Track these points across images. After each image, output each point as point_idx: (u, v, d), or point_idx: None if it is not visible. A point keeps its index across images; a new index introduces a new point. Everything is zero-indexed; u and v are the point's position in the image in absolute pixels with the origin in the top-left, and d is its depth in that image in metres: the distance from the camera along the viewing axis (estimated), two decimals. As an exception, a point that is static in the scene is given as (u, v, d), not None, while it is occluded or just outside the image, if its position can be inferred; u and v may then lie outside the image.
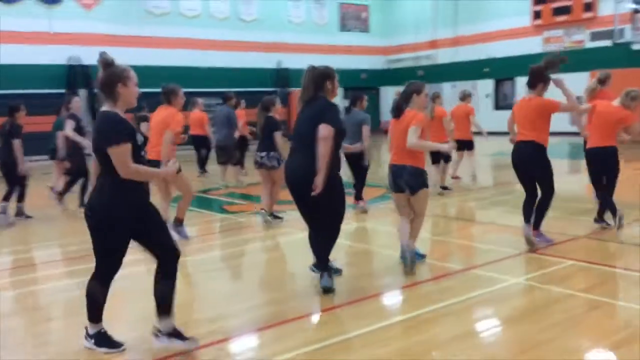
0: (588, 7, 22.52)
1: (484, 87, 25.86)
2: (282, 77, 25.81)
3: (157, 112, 6.97)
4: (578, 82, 22.79)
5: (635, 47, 20.69)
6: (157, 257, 3.76)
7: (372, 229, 7.85)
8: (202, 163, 13.91)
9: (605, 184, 6.67)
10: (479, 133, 11.28)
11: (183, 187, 7.00)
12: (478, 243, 6.82)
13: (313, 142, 4.62)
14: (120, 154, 3.46)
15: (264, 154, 7.71)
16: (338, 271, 5.30)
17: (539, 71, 6.06)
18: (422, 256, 5.75)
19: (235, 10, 25.70)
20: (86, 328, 3.86)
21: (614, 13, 20.94)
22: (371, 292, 4.98)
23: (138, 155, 3.62)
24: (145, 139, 7.66)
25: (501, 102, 26.14)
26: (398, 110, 5.47)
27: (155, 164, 6.66)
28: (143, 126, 12.05)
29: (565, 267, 5.55)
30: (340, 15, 29.03)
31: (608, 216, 6.85)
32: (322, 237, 4.94)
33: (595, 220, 7.01)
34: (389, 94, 27.15)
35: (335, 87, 4.89)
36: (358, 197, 8.58)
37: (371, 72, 29.06)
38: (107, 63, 3.62)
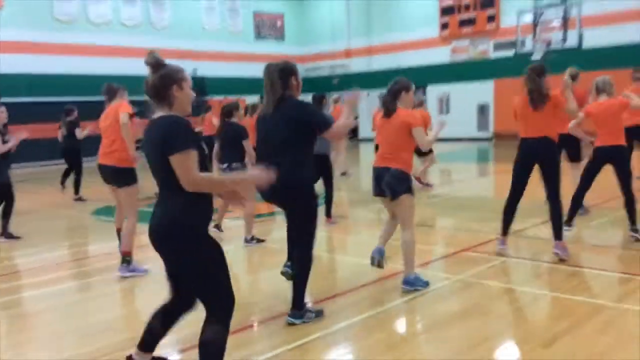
0: (491, 19, 23.85)
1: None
2: (198, 85, 25.49)
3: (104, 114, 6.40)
4: (483, 90, 24.38)
5: (535, 57, 22.08)
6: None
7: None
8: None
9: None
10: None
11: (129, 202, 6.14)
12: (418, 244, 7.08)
13: (294, 147, 4.30)
14: (187, 160, 2.94)
15: (224, 165, 7.06)
16: (319, 313, 4.61)
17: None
18: (425, 283, 5.20)
19: (147, 16, 25.19)
20: None
21: (516, 25, 22.26)
22: (320, 296, 5.08)
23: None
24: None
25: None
26: (388, 109, 5.11)
27: (112, 170, 6.18)
28: (77, 132, 11.71)
29: (498, 263, 5.90)
30: (255, 24, 29.12)
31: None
32: (296, 264, 4.54)
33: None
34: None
35: (300, 83, 4.46)
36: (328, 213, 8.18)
37: (287, 80, 29.28)
38: (158, 63, 3.11)
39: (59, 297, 5.60)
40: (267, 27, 29.64)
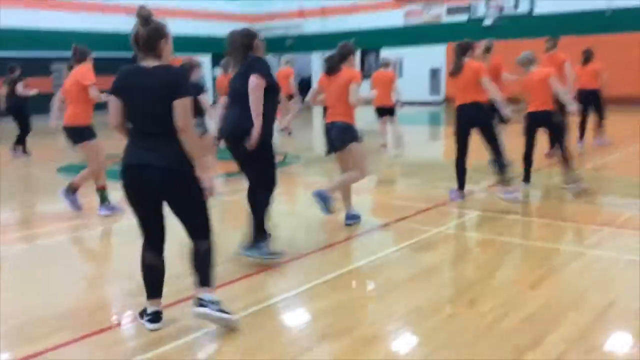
0: (445, -16, 24.09)
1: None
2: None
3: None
4: (436, 54, 24.75)
5: (486, 22, 22.55)
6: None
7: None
8: None
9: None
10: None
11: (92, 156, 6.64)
12: (395, 200, 7.33)
13: (245, 96, 4.60)
14: (187, 106, 3.32)
15: None
16: (277, 255, 4.92)
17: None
18: (357, 217, 5.91)
19: (94, -30, 24.22)
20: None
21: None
22: (308, 249, 5.25)
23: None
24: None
25: (365, 72, 27.27)
26: (334, 67, 5.59)
27: (68, 129, 6.56)
28: (18, 87, 11.42)
29: (473, 217, 6.22)
30: (207, -19, 28.41)
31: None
32: (256, 201, 4.85)
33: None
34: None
35: (262, 45, 4.82)
36: None
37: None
38: (146, 18, 3.37)
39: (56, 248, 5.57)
40: (219, -16, 28.96)
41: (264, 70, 4.60)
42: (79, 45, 6.75)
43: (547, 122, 7.13)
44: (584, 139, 10.70)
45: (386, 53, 25.90)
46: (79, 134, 6.52)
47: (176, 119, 3.26)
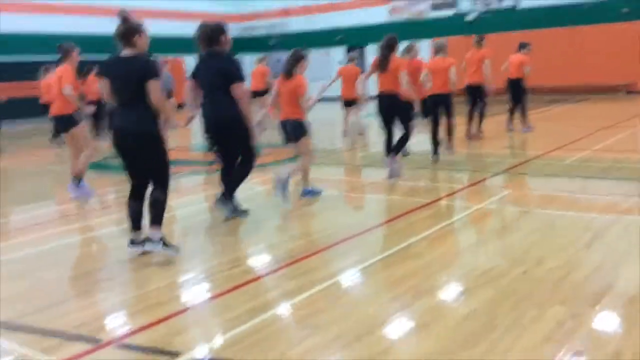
0: (428, -20, 24.62)
1: (338, 54, 27.12)
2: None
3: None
4: (422, 49, 25.28)
5: (469, 17, 23.15)
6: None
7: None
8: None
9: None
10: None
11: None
12: (421, 182, 7.76)
13: (225, 90, 5.40)
14: (158, 86, 4.48)
15: None
16: (244, 213, 5.99)
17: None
18: (318, 192, 6.75)
19: (79, -27, 24.21)
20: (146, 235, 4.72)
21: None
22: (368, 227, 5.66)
23: None
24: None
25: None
26: (290, 72, 6.37)
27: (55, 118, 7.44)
28: None
29: (504, 194, 6.68)
30: (190, -18, 28.54)
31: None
32: (239, 170, 5.78)
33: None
34: (245, 61, 27.31)
35: (228, 39, 5.57)
36: None
37: (224, 40, 29.06)
38: (125, 18, 4.54)
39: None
40: (202, -15, 29.11)
41: (241, 74, 5.48)
42: (64, 43, 7.29)
43: (445, 102, 8.52)
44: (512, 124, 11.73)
45: (372, 49, 26.48)
46: (65, 122, 7.30)
47: (151, 96, 4.41)
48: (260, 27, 29.39)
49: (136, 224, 4.84)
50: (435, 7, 24.51)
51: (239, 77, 5.44)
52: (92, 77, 13.54)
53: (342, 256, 4.84)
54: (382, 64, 7.30)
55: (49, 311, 3.91)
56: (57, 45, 7.27)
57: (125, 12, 4.53)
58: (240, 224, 5.89)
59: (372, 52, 26.63)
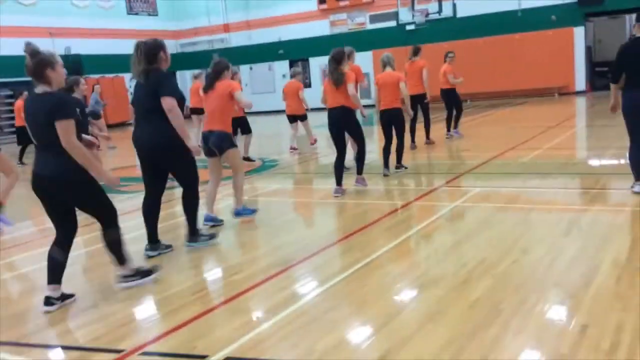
0: (366, -7, 25.23)
1: (281, 68, 27.34)
2: (73, 64, 24.34)
3: None
4: (363, 60, 25.78)
5: (410, 27, 23.85)
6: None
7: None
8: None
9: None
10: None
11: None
12: (397, 186, 8.02)
13: (157, 112, 4.94)
14: (68, 127, 3.94)
15: None
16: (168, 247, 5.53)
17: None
18: (253, 211, 6.43)
19: (11, -8, 23.51)
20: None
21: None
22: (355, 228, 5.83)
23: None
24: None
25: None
26: (211, 84, 6.08)
27: None
28: None
29: (475, 192, 6.99)
30: (126, -1, 28.20)
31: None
32: (188, 199, 5.40)
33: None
34: (185, 78, 27.12)
35: (168, 56, 5.12)
36: None
37: (165, 57, 28.81)
38: (33, 52, 4.02)
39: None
40: (138, 1, 28.79)
41: (172, 88, 5.01)
42: None
43: (396, 119, 8.12)
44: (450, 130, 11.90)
45: (316, 62, 26.84)
46: None
47: (60, 138, 3.91)
48: (201, 43, 29.28)
49: (54, 278, 4.23)
50: (374, 19, 25.11)
51: (167, 92, 4.94)
52: (20, 102, 13.32)
53: (342, 256, 5.00)
54: (338, 81, 7.02)
55: (63, 325, 3.88)
56: None
57: (33, 45, 4.05)
58: (230, 236, 5.95)
59: (315, 65, 27.08)
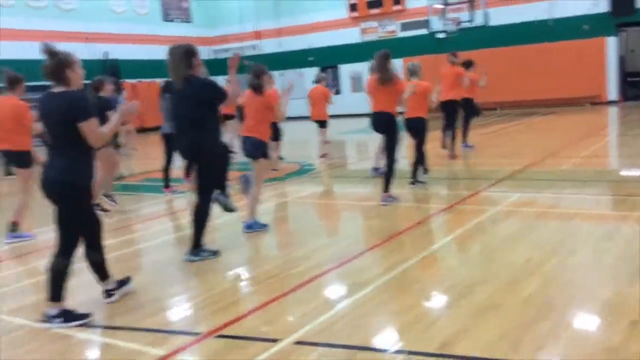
0: (397, 1, 25.45)
1: (311, 75, 27.67)
2: (110, 68, 25.00)
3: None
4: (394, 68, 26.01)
5: (440, 35, 23.99)
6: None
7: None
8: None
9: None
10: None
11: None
12: (436, 191, 8.23)
13: (201, 120, 5.14)
14: (91, 126, 3.91)
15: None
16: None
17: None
18: (264, 226, 6.38)
19: (53, -2, 24.28)
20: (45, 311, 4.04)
21: (427, 5, 23.75)
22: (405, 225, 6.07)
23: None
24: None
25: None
26: (258, 87, 6.23)
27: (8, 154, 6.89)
28: None
29: (515, 198, 7.18)
30: (162, 5, 28.82)
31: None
32: (198, 207, 5.36)
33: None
34: (218, 83, 27.58)
35: (200, 62, 5.28)
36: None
37: (197, 62, 29.41)
38: (52, 52, 3.96)
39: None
40: (173, 8, 29.44)
41: (222, 92, 5.21)
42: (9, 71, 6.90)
43: (417, 127, 8.07)
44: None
45: (346, 69, 27.15)
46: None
47: (86, 139, 3.88)
48: (233, 49, 29.75)
49: (101, 276, 4.37)
50: (406, 27, 25.33)
51: (219, 96, 5.20)
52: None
53: (391, 254, 5.25)
54: (384, 82, 7.01)
55: (140, 311, 4.19)
56: (6, 74, 6.81)
57: (51, 46, 3.97)
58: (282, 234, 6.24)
59: (345, 72, 27.32)
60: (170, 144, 8.40)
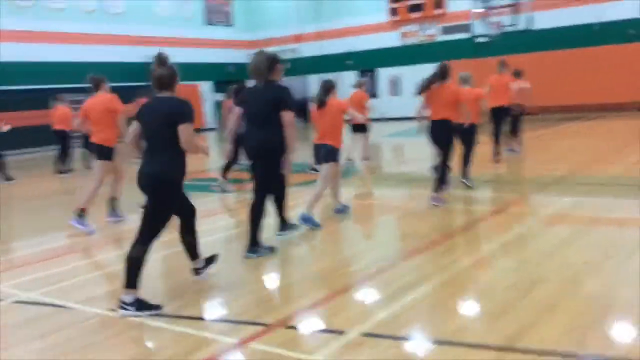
0: (438, 5, 25.45)
1: (349, 78, 27.80)
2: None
3: (91, 100, 7.38)
4: (432, 71, 25.93)
5: (480, 39, 23.89)
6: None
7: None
8: (63, 160, 14.13)
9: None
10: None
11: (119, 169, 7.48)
12: (485, 194, 8.27)
13: (274, 120, 5.35)
14: (189, 129, 4.22)
15: None
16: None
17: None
18: (316, 225, 6.56)
19: (101, 3, 24.96)
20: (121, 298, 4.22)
21: (468, 9, 23.69)
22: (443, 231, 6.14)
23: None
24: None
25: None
26: (322, 101, 6.75)
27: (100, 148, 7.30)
28: None
29: (566, 202, 7.18)
30: (205, 9, 29.36)
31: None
32: (278, 198, 5.93)
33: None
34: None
35: (282, 69, 5.56)
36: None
37: (239, 65, 29.79)
38: (163, 61, 4.37)
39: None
40: (216, 12, 29.96)
41: (292, 103, 5.43)
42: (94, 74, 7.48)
43: (472, 133, 8.31)
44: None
45: (385, 72, 27.22)
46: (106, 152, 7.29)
47: (182, 139, 4.17)
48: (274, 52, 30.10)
49: (192, 255, 4.76)
50: (447, 30, 25.28)
51: (289, 105, 5.40)
52: (61, 107, 14.18)
53: (448, 253, 5.34)
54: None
55: (208, 302, 4.38)
56: (89, 77, 7.42)
57: (163, 54, 4.41)
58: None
59: (384, 77, 27.36)
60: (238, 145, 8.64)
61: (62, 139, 13.96)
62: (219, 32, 29.58)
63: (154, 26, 26.63)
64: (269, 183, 5.64)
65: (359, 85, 12.33)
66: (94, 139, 7.33)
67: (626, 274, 4.47)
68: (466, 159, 8.41)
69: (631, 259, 4.81)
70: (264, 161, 5.50)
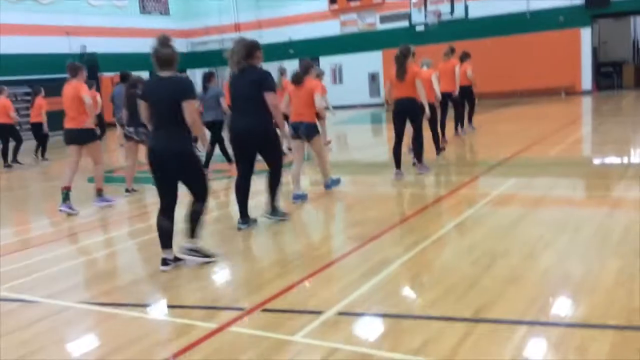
0: (377, -6, 25.76)
1: (291, 67, 27.80)
2: (88, 62, 24.80)
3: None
4: (372, 59, 26.34)
5: (419, 28, 24.39)
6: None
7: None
8: (5, 154, 13.80)
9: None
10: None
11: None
12: (437, 177, 8.54)
13: (259, 103, 5.64)
14: (193, 105, 4.72)
15: (131, 128, 8.38)
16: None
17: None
18: (338, 181, 7.76)
19: (30, -9, 23.99)
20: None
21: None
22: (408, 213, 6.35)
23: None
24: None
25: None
26: (299, 79, 7.25)
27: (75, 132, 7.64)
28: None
29: (513, 183, 7.53)
30: (140, -2, 28.69)
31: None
32: (272, 179, 6.11)
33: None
34: (196, 76, 27.63)
35: (261, 56, 5.88)
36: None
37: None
38: (165, 41, 4.73)
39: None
40: (151, 1, 29.28)
41: (274, 86, 5.82)
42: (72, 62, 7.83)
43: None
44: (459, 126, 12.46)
45: (325, 61, 27.37)
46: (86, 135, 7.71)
47: (186, 115, 4.60)
48: (212, 42, 29.76)
49: (167, 242, 4.91)
50: (384, 19, 25.63)
51: (272, 87, 5.73)
52: (40, 99, 13.90)
53: (409, 234, 5.54)
54: (400, 75, 7.90)
55: (184, 289, 4.40)
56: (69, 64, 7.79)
57: (167, 36, 4.77)
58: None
59: (325, 64, 27.54)
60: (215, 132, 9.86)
61: (5, 133, 13.47)
62: (155, 21, 28.93)
63: (86, 16, 25.82)
64: (280, 159, 6.10)
65: (317, 74, 12.36)
66: (68, 125, 7.63)
67: (577, 247, 4.77)
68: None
69: (578, 233, 5.12)
70: (262, 146, 5.85)
